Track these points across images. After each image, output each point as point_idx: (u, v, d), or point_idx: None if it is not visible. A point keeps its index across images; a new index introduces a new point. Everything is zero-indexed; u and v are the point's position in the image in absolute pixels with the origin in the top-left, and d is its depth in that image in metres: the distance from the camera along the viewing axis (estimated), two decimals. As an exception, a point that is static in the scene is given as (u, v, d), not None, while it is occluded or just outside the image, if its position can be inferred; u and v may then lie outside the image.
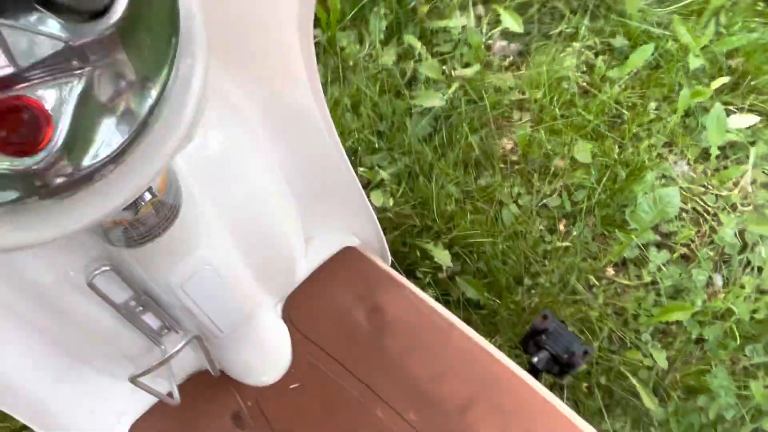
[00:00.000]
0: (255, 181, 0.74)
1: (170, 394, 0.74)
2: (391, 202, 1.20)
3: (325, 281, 0.90)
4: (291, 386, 0.83)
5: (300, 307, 0.87)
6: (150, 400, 0.83)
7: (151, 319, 0.70)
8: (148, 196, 0.48)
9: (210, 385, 0.84)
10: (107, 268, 0.61)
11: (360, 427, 0.79)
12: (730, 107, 1.30)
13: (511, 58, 1.35)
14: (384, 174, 1.21)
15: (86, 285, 0.61)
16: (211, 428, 0.81)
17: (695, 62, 1.27)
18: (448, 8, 1.37)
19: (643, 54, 1.25)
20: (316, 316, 0.87)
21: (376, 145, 1.24)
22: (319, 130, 0.74)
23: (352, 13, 1.34)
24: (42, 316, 0.67)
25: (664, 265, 1.16)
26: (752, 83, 1.30)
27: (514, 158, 1.26)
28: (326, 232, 0.92)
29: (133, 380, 0.67)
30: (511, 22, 1.33)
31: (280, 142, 0.76)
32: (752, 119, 1.28)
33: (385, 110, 1.27)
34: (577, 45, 1.32)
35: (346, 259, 0.92)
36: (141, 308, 0.68)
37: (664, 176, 1.23)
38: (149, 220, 0.53)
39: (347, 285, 0.89)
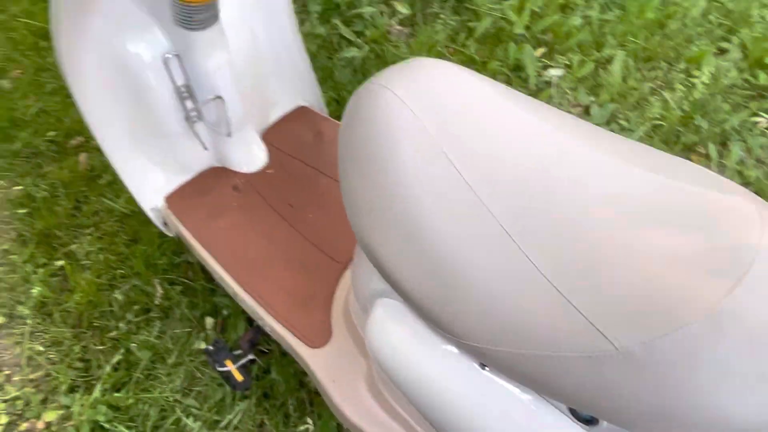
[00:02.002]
0: (261, 38, 1.31)
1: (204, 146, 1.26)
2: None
3: (287, 121, 1.45)
4: (267, 171, 1.36)
5: (271, 134, 1.42)
6: (175, 185, 1.33)
7: (189, 105, 1.23)
8: None
9: (214, 174, 1.36)
10: (175, 53, 1.16)
11: (312, 194, 1.31)
12: (547, 62, 1.97)
13: (404, 33, 2.00)
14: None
15: (162, 63, 1.15)
16: (218, 194, 1.33)
17: (519, 29, 1.95)
18: (361, 2, 2.02)
19: (485, 24, 1.93)
20: (282, 138, 1.42)
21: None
22: (291, 23, 1.33)
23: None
24: (133, 97, 1.19)
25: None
26: (559, 47, 1.99)
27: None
28: (287, 95, 1.48)
29: (189, 119, 1.20)
30: (401, 8, 1.99)
31: (272, 27, 1.34)
32: (560, 71, 1.95)
33: (322, 64, 1.87)
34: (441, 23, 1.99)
35: (301, 112, 1.48)
36: (186, 94, 1.22)
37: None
38: (209, 9, 1.08)
39: (301, 122, 1.45)
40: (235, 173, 1.36)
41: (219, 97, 1.21)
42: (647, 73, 1.93)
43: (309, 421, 1.35)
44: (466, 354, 0.74)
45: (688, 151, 1.76)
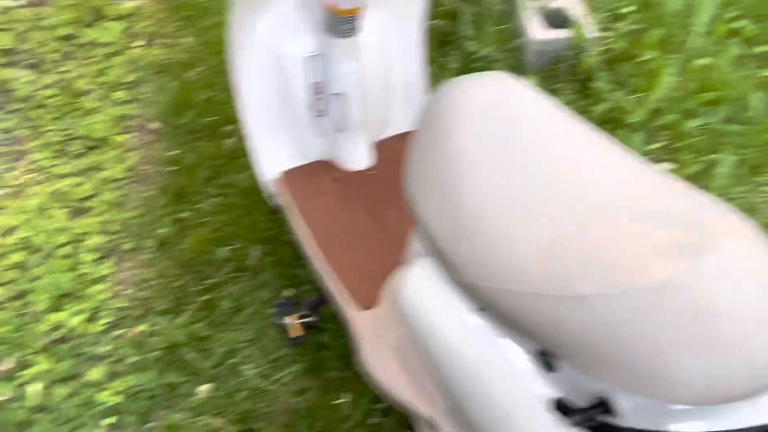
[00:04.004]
0: (392, 65, 1.57)
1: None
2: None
3: (396, 139, 1.68)
4: (368, 173, 1.58)
5: (379, 145, 1.65)
6: (290, 166, 1.58)
7: (319, 102, 1.49)
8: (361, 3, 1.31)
9: (324, 165, 1.59)
10: (317, 54, 1.42)
11: (399, 199, 1.49)
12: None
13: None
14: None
15: (305, 61, 1.42)
16: (322, 181, 1.56)
17: (635, 119, 2.07)
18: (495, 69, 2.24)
19: (602, 107, 2.07)
20: (387, 151, 1.64)
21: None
22: (420, 61, 1.57)
23: None
24: (276, 86, 1.47)
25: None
26: (672, 146, 2.08)
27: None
28: (403, 119, 1.70)
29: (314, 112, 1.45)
30: (528, 80, 2.18)
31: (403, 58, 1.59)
32: (669, 166, 2.03)
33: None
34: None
35: (410, 135, 1.69)
36: (318, 90, 1.48)
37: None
38: (351, 22, 1.34)
39: (408, 144, 1.66)
40: (341, 168, 1.59)
41: (342, 94, 1.46)
42: (759, 185, 1.96)
43: (346, 396, 1.50)
44: (467, 295, 0.89)
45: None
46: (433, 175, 0.94)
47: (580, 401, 0.79)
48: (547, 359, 0.81)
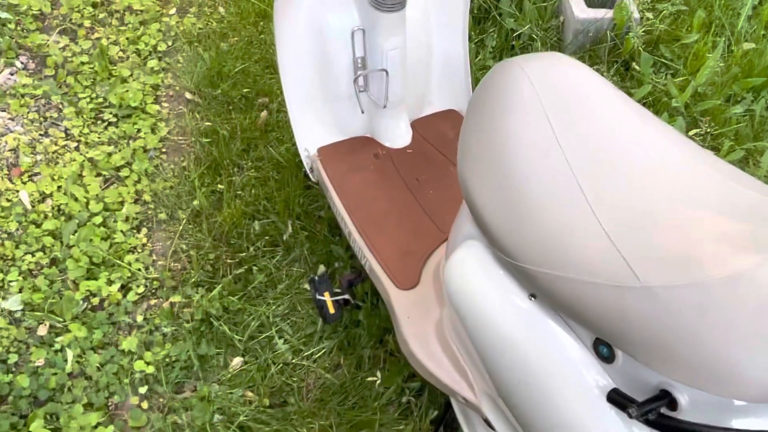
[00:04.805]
0: (434, 43, 1.53)
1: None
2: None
3: (436, 118, 1.65)
4: (407, 150, 1.56)
5: (419, 123, 1.62)
6: (329, 141, 1.56)
7: (361, 78, 1.47)
8: None
9: (363, 141, 1.57)
10: (361, 28, 1.40)
11: (439, 176, 1.48)
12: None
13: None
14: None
15: (350, 35, 1.39)
16: (361, 157, 1.54)
17: (677, 103, 2.02)
18: (534, 49, 2.20)
19: (643, 91, 2.02)
20: (427, 129, 1.61)
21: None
22: (463, 40, 1.54)
23: None
24: (321, 60, 1.44)
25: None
26: (714, 132, 2.03)
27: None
28: (443, 97, 1.67)
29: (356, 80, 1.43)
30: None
31: (446, 36, 1.56)
32: (709, 152, 1.99)
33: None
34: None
35: (450, 114, 1.67)
36: (360, 65, 1.45)
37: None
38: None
39: (448, 122, 1.64)
40: (380, 145, 1.57)
41: (385, 71, 1.43)
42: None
43: (378, 374, 1.50)
44: (519, 283, 0.87)
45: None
46: (486, 155, 0.91)
47: (636, 394, 0.77)
48: (603, 349, 0.79)
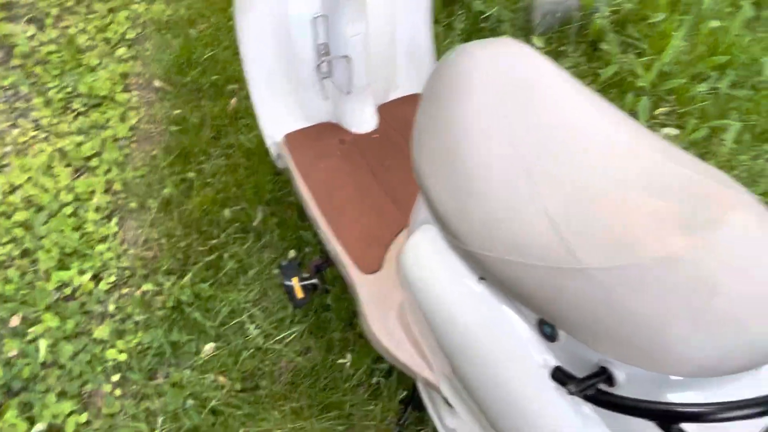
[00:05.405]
0: (398, 27, 1.54)
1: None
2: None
3: (402, 103, 1.66)
4: (373, 136, 1.57)
5: (385, 108, 1.63)
6: (295, 128, 1.57)
7: (324, 64, 1.48)
8: None
9: (329, 127, 1.59)
10: (323, 15, 1.40)
11: (404, 163, 1.50)
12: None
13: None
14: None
15: (311, 22, 1.40)
16: (327, 143, 1.56)
17: (642, 83, 2.05)
18: (502, 32, 2.21)
19: (610, 71, 2.04)
20: (392, 114, 1.63)
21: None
22: (427, 23, 1.54)
23: None
24: (283, 48, 1.45)
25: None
26: (680, 110, 2.06)
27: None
28: (409, 81, 1.69)
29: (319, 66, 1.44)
30: (538, 42, 2.15)
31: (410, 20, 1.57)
32: (674, 131, 2.02)
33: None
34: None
35: (416, 98, 1.68)
36: (323, 51, 1.46)
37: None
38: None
39: (413, 106, 1.65)
40: (346, 131, 1.58)
41: (348, 57, 1.44)
42: (766, 152, 1.95)
43: (348, 356, 1.53)
44: (469, 266, 0.90)
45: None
46: (438, 142, 0.94)
47: (578, 371, 0.80)
48: (546, 329, 0.83)
